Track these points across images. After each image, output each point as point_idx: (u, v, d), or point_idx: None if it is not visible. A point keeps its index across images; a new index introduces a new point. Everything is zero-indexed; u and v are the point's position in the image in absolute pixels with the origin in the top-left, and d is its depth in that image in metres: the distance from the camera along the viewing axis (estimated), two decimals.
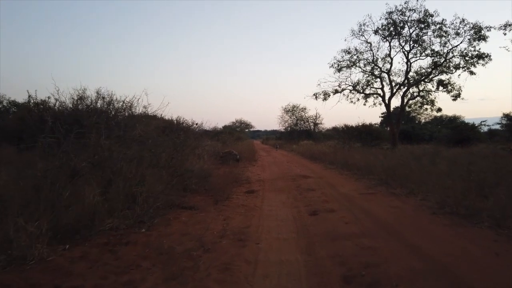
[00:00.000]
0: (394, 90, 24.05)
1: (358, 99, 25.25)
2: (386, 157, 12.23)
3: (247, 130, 47.45)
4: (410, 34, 23.13)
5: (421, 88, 24.46)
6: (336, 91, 24.75)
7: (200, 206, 6.04)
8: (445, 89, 23.71)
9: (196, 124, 10.52)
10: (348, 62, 24.50)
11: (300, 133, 35.24)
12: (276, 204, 6.37)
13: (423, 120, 37.87)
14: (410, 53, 23.57)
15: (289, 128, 37.55)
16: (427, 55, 23.49)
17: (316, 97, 25.11)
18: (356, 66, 24.69)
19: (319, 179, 9.41)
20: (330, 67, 25.09)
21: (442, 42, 22.50)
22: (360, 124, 21.14)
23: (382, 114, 40.46)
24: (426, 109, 24.70)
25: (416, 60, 23.72)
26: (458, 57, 22.69)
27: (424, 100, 24.65)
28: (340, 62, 24.73)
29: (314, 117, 36.26)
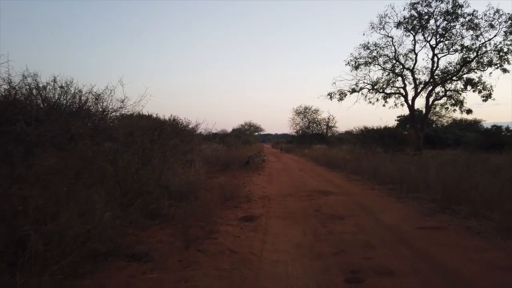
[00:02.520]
0: (419, 89, 21.17)
1: (378, 100, 22.53)
2: (423, 166, 9.51)
3: (256, 133, 44.80)
4: (437, 27, 20.26)
5: (448, 88, 21.50)
6: (353, 90, 22.03)
7: (160, 253, 3.52)
8: (474, 89, 20.72)
9: (173, 120, 8.01)
10: (367, 59, 21.79)
11: (312, 137, 32.41)
12: (285, 248, 3.80)
13: (444, 123, 34.44)
14: (436, 49, 20.69)
15: (300, 131, 34.73)
16: (455, 51, 20.55)
17: (331, 97, 22.46)
18: (375, 63, 21.95)
19: (345, 197, 6.77)
20: (346, 64, 22.41)
21: (474, 35, 19.56)
22: (382, 126, 18.28)
23: (398, 117, 37.38)
24: (455, 110, 21.59)
25: (443, 56, 20.81)
26: (491, 52, 19.67)
27: (452, 101, 21.64)
28: (357, 59, 22.04)
29: (327, 120, 33.45)
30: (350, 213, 5.37)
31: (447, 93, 21.35)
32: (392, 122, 38.96)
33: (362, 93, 22.13)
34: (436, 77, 21.07)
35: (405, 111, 34.12)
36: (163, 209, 5.04)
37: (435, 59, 20.64)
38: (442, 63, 19.91)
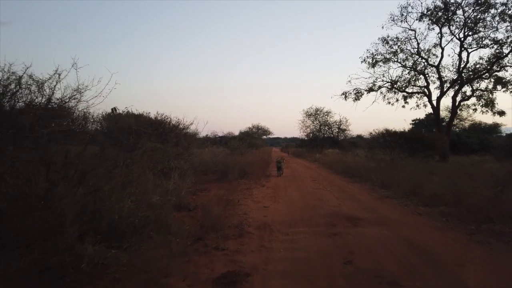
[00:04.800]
0: (445, 88, 18.55)
1: (397, 100, 19.96)
2: (477, 179, 7.11)
3: (264, 136, 42.37)
4: (465, 19, 17.68)
5: (476, 87, 18.81)
6: (371, 89, 19.55)
7: None
8: (505, 89, 18.07)
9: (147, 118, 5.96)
10: (386, 55, 19.26)
11: (323, 141, 29.83)
12: None
13: (466, 127, 31.33)
14: (464, 43, 18.10)
15: (311, 135, 32.14)
16: (485, 46, 17.92)
17: (345, 97, 20.02)
18: (394, 60, 19.41)
19: (386, 230, 4.41)
20: (362, 62, 19.94)
21: (509, 28, 16.93)
22: (404, 129, 15.80)
23: (413, 120, 34.48)
24: (486, 111, 18.81)
25: (473, 51, 18.19)
26: None
27: (482, 101, 18.91)
28: (374, 55, 19.53)
29: (339, 122, 30.73)
30: (407, 271, 3.05)
31: (477, 92, 18.69)
32: (404, 126, 36.23)
33: (381, 92, 19.66)
34: (463, 75, 18.46)
35: (421, 114, 31.39)
36: (82, 264, 2.84)
37: (463, 54, 18.07)
38: (470, 59, 17.45)
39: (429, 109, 19.85)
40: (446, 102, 25.97)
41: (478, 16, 17.42)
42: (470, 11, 17.60)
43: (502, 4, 16.85)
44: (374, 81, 19.65)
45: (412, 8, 18.18)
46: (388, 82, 19.59)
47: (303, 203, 6.35)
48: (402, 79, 19.60)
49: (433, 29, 18.63)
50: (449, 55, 21.12)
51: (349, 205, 6.08)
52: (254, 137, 34.60)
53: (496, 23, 16.90)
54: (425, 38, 19.20)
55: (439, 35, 18.25)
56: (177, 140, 7.59)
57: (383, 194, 7.34)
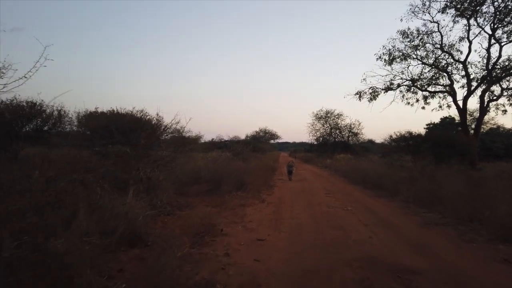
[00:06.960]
0: (472, 86, 16.21)
1: (417, 100, 17.67)
2: None
3: (272, 140, 40.20)
4: (495, 9, 15.39)
5: (505, 85, 16.39)
6: (388, 88, 17.32)
7: None
8: None
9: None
10: (405, 50, 17.03)
11: (334, 145, 27.53)
12: None
13: (486, 131, 28.61)
14: (492, 37, 15.78)
15: (321, 139, 29.76)
16: None
17: (360, 97, 17.75)
18: (414, 56, 17.16)
19: None
20: (377, 59, 17.71)
21: None
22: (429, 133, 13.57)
23: (427, 125, 31.90)
24: None
25: (504, 45, 15.82)
26: None
27: None
28: (392, 51, 17.29)
29: (350, 126, 28.33)
30: None
31: (508, 91, 16.27)
32: (420, 130, 33.72)
33: (400, 91, 17.40)
34: (493, 72, 16.09)
35: (435, 117, 28.78)
36: None
37: (493, 49, 15.75)
38: (502, 53, 15.09)
39: (453, 111, 17.54)
40: (468, 103, 23.48)
41: (510, 6, 15.13)
42: (500, 0, 15.33)
43: None
44: (391, 79, 17.46)
45: None
46: (408, 80, 17.35)
47: (317, 234, 4.28)
48: (423, 77, 17.37)
49: (457, 21, 16.39)
50: (475, 51, 18.62)
51: (386, 239, 4.00)
52: (261, 141, 32.57)
53: None
54: (450, 31, 16.85)
55: (466, 27, 15.99)
56: (146, 142, 5.69)
57: (427, 218, 5.20)
